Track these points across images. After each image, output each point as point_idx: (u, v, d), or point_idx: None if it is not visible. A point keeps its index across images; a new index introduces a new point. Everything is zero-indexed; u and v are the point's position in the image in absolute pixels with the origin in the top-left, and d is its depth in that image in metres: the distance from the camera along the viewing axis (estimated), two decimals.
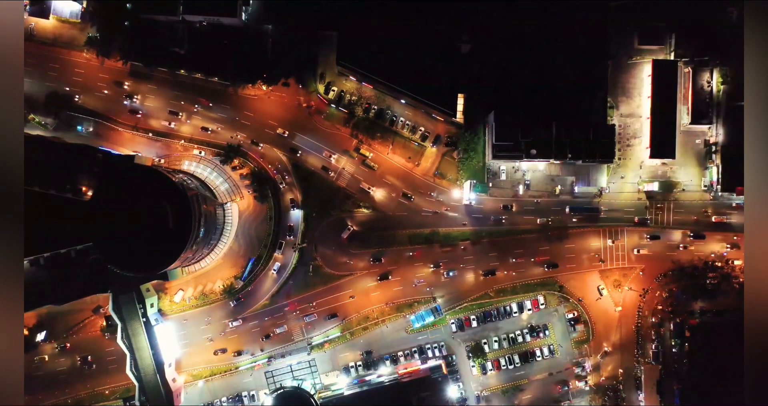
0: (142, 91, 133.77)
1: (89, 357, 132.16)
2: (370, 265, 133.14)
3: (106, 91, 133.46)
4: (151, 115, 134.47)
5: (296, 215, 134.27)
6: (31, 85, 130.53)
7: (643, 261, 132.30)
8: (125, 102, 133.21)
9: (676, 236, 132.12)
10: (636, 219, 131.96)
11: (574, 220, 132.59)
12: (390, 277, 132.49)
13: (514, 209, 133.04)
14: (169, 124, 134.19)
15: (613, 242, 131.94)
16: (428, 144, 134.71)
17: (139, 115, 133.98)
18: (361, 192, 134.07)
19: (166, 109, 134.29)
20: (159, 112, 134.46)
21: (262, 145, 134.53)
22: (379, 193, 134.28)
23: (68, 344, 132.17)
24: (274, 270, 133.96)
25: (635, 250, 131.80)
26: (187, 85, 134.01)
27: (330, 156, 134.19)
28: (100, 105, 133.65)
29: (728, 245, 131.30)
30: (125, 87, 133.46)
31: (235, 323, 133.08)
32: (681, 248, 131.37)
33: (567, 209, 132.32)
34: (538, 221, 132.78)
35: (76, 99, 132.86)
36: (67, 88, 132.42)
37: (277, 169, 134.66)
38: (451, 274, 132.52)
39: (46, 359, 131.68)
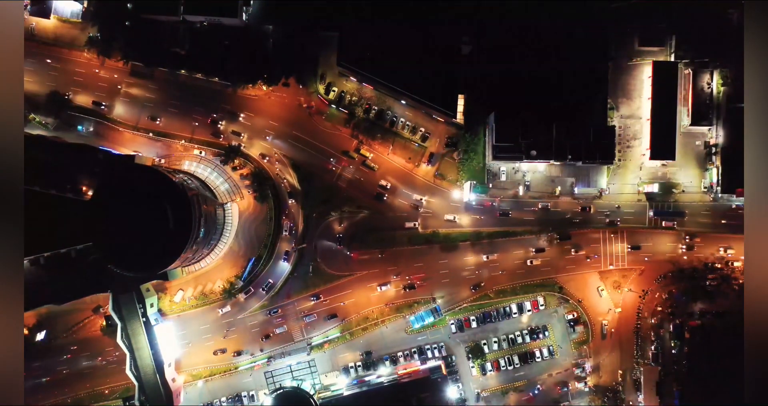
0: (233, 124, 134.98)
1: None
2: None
3: (199, 117, 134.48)
4: (229, 139, 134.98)
5: (283, 268, 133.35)
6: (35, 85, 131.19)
7: (642, 262, 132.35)
8: (219, 124, 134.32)
9: (542, 240, 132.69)
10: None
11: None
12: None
13: (592, 211, 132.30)
14: (237, 145, 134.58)
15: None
16: (426, 147, 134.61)
17: (221, 139, 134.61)
18: (448, 222, 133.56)
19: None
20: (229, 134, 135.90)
21: (291, 201, 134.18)
22: (465, 220, 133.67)
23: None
24: (221, 311, 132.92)
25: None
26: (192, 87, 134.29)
27: (420, 199, 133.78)
28: (178, 126, 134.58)
29: (629, 246, 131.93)
30: (241, 118, 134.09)
31: None
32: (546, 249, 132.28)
33: (651, 213, 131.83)
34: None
35: (158, 122, 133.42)
36: (150, 106, 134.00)
37: (292, 222, 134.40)
38: (383, 288, 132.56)
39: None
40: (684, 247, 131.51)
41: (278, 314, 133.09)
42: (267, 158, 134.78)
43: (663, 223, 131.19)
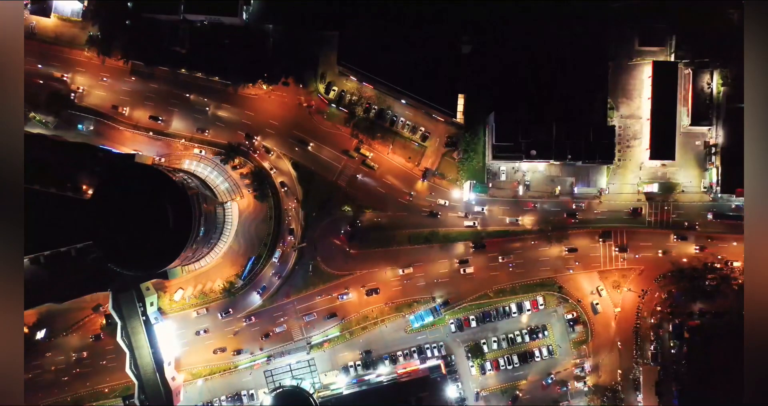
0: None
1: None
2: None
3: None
4: (263, 156, 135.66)
5: (253, 300, 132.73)
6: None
7: (642, 262, 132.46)
8: (254, 139, 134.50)
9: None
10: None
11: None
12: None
13: (643, 211, 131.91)
14: (270, 168, 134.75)
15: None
16: (426, 147, 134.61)
17: (256, 155, 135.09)
18: (512, 224, 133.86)
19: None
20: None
21: (290, 238, 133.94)
22: (527, 219, 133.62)
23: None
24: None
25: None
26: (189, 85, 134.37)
27: (482, 209, 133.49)
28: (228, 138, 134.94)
29: (566, 249, 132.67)
30: (310, 147, 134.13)
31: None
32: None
33: (710, 216, 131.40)
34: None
35: (206, 133, 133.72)
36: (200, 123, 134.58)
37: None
38: (344, 298, 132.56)
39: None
40: (617, 249, 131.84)
41: (206, 335, 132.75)
42: (286, 188, 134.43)
43: None
